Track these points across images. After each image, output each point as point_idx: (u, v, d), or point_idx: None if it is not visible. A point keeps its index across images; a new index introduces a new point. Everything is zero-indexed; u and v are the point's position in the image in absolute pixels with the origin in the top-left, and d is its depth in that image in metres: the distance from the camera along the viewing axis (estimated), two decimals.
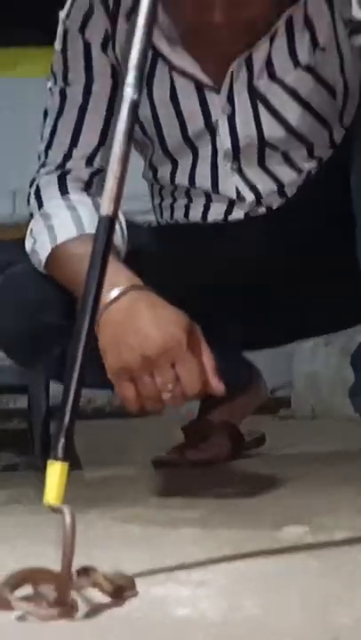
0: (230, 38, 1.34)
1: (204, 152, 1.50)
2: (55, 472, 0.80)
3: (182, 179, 1.53)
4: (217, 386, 1.21)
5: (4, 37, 4.33)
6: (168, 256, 1.59)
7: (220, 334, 1.64)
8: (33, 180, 1.52)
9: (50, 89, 1.49)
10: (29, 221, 1.52)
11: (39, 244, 1.40)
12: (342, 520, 1.04)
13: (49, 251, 1.37)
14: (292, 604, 0.70)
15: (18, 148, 4.32)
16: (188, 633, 0.64)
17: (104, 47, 1.45)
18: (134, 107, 0.86)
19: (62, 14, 1.47)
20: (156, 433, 2.08)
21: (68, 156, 1.49)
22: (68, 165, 1.49)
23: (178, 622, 0.67)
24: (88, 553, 0.79)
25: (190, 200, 1.56)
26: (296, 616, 0.67)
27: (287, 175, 1.51)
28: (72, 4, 1.45)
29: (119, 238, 1.39)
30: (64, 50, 1.47)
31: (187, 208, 1.57)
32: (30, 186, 1.52)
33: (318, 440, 2.07)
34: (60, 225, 1.39)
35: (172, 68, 1.45)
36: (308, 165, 1.51)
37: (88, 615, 0.69)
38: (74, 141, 1.48)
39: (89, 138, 1.48)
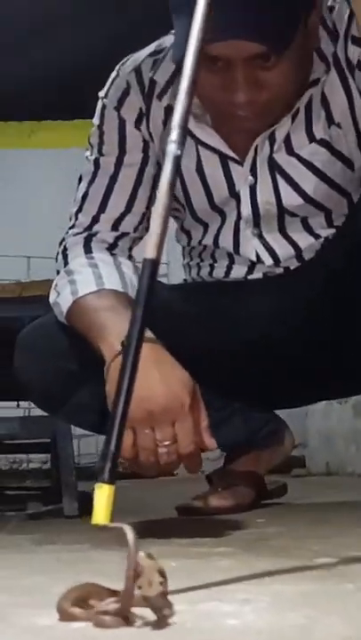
0: (253, 117, 1.42)
1: (231, 217, 1.59)
2: (103, 494, 0.85)
3: (208, 240, 1.62)
4: (209, 442, 1.27)
5: (20, 110, 4.46)
6: (188, 312, 1.67)
7: (242, 387, 1.70)
8: (62, 240, 1.60)
9: (86, 157, 1.62)
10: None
11: (62, 297, 1.48)
12: None
13: (70, 303, 1.46)
14: (335, 616, 0.75)
15: (32, 217, 4.44)
16: (240, 637, 0.69)
17: (137, 124, 1.57)
18: (177, 161, 0.93)
19: (101, 93, 1.60)
20: (176, 488, 2.12)
21: (95, 220, 1.58)
22: (95, 228, 1.58)
23: (229, 630, 0.72)
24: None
25: (215, 261, 1.65)
26: (340, 626, 0.72)
27: (305, 241, 1.59)
28: (111, 84, 1.58)
29: (118, 284, 1.47)
30: (101, 125, 1.59)
31: (211, 267, 1.66)
32: (59, 245, 1.61)
33: (333, 492, 2.12)
34: (82, 280, 1.48)
35: (198, 142, 1.54)
36: (326, 232, 1.58)
37: (145, 625, 0.74)
38: (102, 207, 1.58)
39: (117, 204, 1.58)
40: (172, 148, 0.93)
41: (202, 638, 0.69)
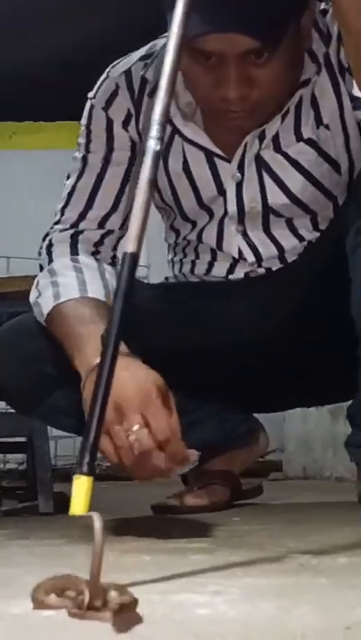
0: (244, 114, 1.43)
1: (218, 214, 1.60)
2: (81, 486, 0.84)
3: (192, 235, 1.62)
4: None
5: (1, 111, 4.46)
6: (167, 311, 1.66)
7: (220, 389, 1.70)
8: (46, 235, 1.60)
9: (74, 157, 1.61)
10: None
11: (43, 298, 1.48)
12: (343, 551, 1.08)
13: (50, 307, 1.45)
14: (308, 607, 0.75)
15: (13, 218, 4.44)
16: (213, 627, 0.68)
17: (125, 125, 1.57)
18: (157, 157, 0.94)
19: (90, 94, 1.60)
20: (152, 489, 2.11)
21: (82, 217, 1.58)
22: (82, 225, 1.57)
23: (200, 619, 0.72)
24: (102, 578, 0.82)
25: (197, 256, 1.64)
26: (313, 616, 0.72)
27: (289, 242, 1.59)
28: (99, 87, 1.59)
29: (101, 292, 1.47)
30: (88, 124, 1.59)
31: (193, 264, 1.65)
32: (43, 240, 1.60)
33: (310, 494, 2.12)
34: (65, 284, 1.47)
35: (185, 140, 1.55)
36: (311, 235, 1.58)
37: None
38: (89, 204, 1.58)
39: (104, 202, 1.58)
40: (151, 144, 0.94)
41: (173, 627, 0.69)
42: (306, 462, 2.79)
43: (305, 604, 0.76)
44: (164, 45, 1.44)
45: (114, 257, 1.60)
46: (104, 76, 1.59)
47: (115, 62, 1.60)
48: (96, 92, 1.59)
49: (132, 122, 1.57)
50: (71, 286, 1.47)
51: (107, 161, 1.58)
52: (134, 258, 0.90)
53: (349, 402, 1.63)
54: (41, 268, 1.58)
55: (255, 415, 1.87)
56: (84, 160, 1.59)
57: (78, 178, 1.59)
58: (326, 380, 1.68)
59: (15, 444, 2.55)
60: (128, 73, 1.56)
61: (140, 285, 1.72)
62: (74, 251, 1.56)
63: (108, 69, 1.59)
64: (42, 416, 1.69)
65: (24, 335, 1.59)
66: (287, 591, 0.83)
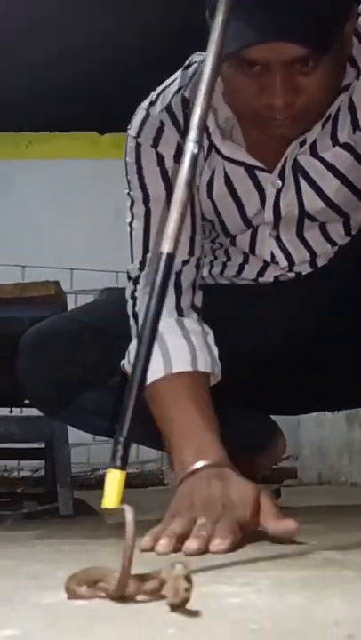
0: (289, 121, 1.41)
1: (257, 223, 1.58)
2: (114, 479, 0.86)
3: (226, 240, 1.62)
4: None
5: (17, 122, 4.49)
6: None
7: (244, 392, 1.71)
8: (137, 277, 1.54)
9: (128, 194, 1.56)
10: None
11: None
12: None
13: (161, 375, 1.39)
14: (335, 598, 0.76)
15: (28, 227, 4.47)
16: (244, 614, 0.70)
17: (177, 158, 1.52)
18: (194, 159, 0.96)
19: (132, 132, 1.55)
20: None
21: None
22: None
23: (233, 608, 0.73)
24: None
25: (229, 258, 1.65)
26: (340, 606, 0.73)
27: (322, 247, 1.60)
28: (142, 123, 1.54)
29: (209, 363, 1.43)
30: (138, 161, 1.54)
31: (224, 265, 1.66)
32: (131, 280, 1.55)
33: (327, 498, 2.13)
34: (176, 353, 1.41)
35: (224, 158, 1.54)
36: (343, 241, 1.60)
37: (145, 602, 0.75)
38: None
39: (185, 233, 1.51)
40: (190, 146, 0.96)
41: (208, 614, 0.70)
42: (321, 468, 2.80)
43: (333, 595, 0.78)
44: (202, 62, 1.44)
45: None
46: (143, 113, 1.54)
47: (150, 98, 1.56)
48: (139, 130, 1.54)
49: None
50: (183, 360, 1.41)
51: (169, 194, 1.50)
52: (171, 258, 0.93)
53: None
54: (133, 318, 1.53)
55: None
56: (146, 204, 1.53)
57: (147, 217, 1.54)
58: (351, 384, 1.69)
59: (32, 450, 2.57)
60: (169, 108, 1.53)
61: None
62: (179, 309, 1.50)
63: (144, 107, 1.55)
64: (69, 418, 1.71)
65: (51, 338, 1.61)
66: (313, 583, 0.85)
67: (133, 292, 1.55)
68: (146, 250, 1.53)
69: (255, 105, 1.39)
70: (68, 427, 1.91)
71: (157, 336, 1.42)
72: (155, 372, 1.38)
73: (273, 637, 0.62)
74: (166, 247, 0.92)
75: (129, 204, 1.55)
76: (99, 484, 3.13)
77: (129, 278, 1.56)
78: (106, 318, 1.66)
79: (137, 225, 1.54)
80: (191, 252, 1.53)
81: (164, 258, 0.91)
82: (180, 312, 1.50)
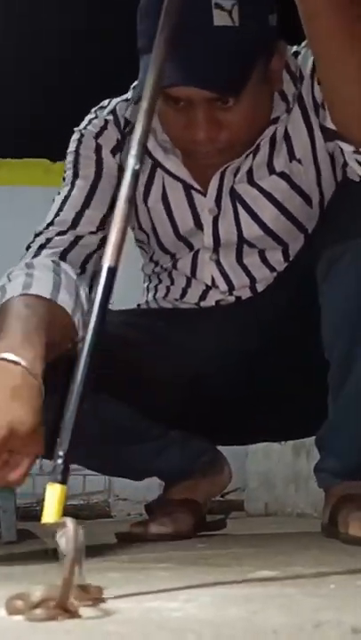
0: (214, 153, 1.51)
1: (197, 246, 1.65)
2: (54, 493, 0.86)
3: (168, 263, 1.66)
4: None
5: None
6: (135, 337, 1.68)
7: (185, 417, 1.72)
8: (40, 234, 1.59)
9: (63, 178, 1.65)
10: None
11: (10, 285, 1.41)
12: (308, 568, 1.09)
13: (17, 294, 1.38)
14: (277, 610, 0.76)
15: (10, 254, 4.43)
16: (186, 624, 0.70)
17: (114, 152, 1.63)
18: (136, 175, 0.97)
19: (78, 128, 1.66)
20: (113, 526, 2.10)
21: (77, 221, 1.58)
22: (79, 229, 1.58)
23: (174, 619, 0.73)
24: None
25: (172, 282, 1.68)
26: (282, 617, 0.73)
27: (261, 273, 1.64)
28: (89, 122, 1.66)
29: (70, 305, 1.42)
30: (77, 150, 1.64)
31: (168, 289, 1.69)
32: (35, 238, 1.59)
33: (273, 527, 2.13)
34: (39, 279, 1.42)
35: (165, 171, 1.62)
36: (282, 267, 1.63)
37: (88, 617, 0.74)
38: (75, 222, 1.58)
39: (91, 220, 1.59)
40: (131, 162, 0.97)
41: (148, 625, 0.70)
42: (268, 499, 2.80)
43: (274, 607, 0.78)
44: (138, 87, 1.51)
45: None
46: (92, 115, 1.67)
47: (98, 106, 1.68)
48: (85, 126, 1.66)
49: (120, 154, 1.62)
50: (44, 284, 1.42)
51: (95, 184, 1.61)
52: (112, 272, 0.93)
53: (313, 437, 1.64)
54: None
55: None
56: (73, 183, 1.62)
57: (66, 197, 1.61)
58: (294, 412, 1.70)
59: None
60: (114, 112, 1.65)
61: (108, 311, 1.73)
62: (63, 256, 1.55)
63: (94, 110, 1.67)
64: None
65: None
66: (256, 598, 0.85)
67: (31, 244, 1.57)
68: (57, 215, 1.59)
69: (182, 137, 1.50)
70: None
71: (30, 267, 1.46)
72: (12, 291, 1.37)
73: None
74: (109, 261, 0.92)
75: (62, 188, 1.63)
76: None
77: (36, 235, 1.59)
78: None
79: (57, 198, 1.62)
80: (101, 227, 1.57)
81: (105, 271, 0.91)
82: (62, 259, 1.52)
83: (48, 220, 1.60)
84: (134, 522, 1.72)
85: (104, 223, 1.58)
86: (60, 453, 0.87)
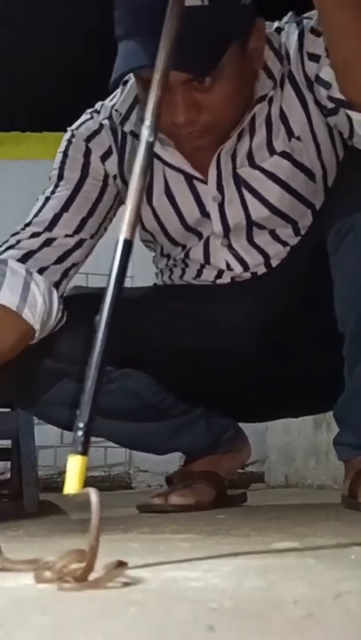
0: (197, 135, 1.50)
1: (206, 234, 1.65)
2: (75, 465, 0.86)
3: (181, 255, 1.66)
4: None
5: None
6: (155, 314, 1.69)
7: (207, 393, 1.72)
8: (16, 233, 1.61)
9: (49, 177, 1.67)
10: None
11: None
12: (328, 539, 1.10)
13: None
14: (296, 581, 0.77)
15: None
16: (205, 595, 0.71)
17: (103, 158, 1.64)
18: (150, 147, 0.96)
19: (71, 127, 1.67)
20: (135, 497, 2.11)
21: (53, 223, 1.60)
22: (55, 231, 1.59)
23: (195, 590, 0.74)
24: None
25: (186, 266, 1.68)
26: (300, 587, 0.74)
27: (273, 249, 1.63)
28: (83, 122, 1.66)
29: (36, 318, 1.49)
30: (66, 151, 1.65)
31: (183, 271, 1.69)
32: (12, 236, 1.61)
33: (292, 498, 2.14)
34: (8, 287, 1.49)
35: (164, 164, 1.61)
36: (294, 241, 1.63)
37: (110, 586, 0.75)
38: (53, 222, 1.60)
39: (68, 223, 1.62)
40: (145, 134, 0.96)
41: (168, 595, 0.71)
42: (288, 471, 2.81)
43: (294, 578, 0.78)
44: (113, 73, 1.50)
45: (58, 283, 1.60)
46: (87, 116, 1.67)
47: (95, 107, 1.68)
48: (78, 126, 1.66)
49: (112, 158, 1.63)
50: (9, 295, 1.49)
51: (78, 188, 1.62)
52: (128, 245, 0.93)
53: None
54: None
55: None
56: (57, 185, 1.63)
57: (47, 198, 1.63)
58: (313, 386, 1.70)
59: None
60: (111, 117, 1.65)
61: (127, 288, 1.74)
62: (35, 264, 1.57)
63: (89, 112, 1.67)
64: (40, 411, 1.70)
65: None
66: (276, 569, 0.85)
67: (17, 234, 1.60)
68: (35, 216, 1.62)
69: (165, 122, 1.46)
70: (35, 429, 1.91)
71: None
72: None
73: (232, 615, 0.62)
74: (124, 234, 0.92)
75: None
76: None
77: (12, 235, 1.61)
78: (75, 309, 1.65)
79: (40, 197, 1.64)
80: (78, 231, 1.60)
81: (120, 243, 0.91)
82: (37, 270, 1.55)
83: (27, 220, 1.62)
84: (155, 493, 1.73)
85: (82, 227, 1.61)
86: (81, 425, 0.87)
